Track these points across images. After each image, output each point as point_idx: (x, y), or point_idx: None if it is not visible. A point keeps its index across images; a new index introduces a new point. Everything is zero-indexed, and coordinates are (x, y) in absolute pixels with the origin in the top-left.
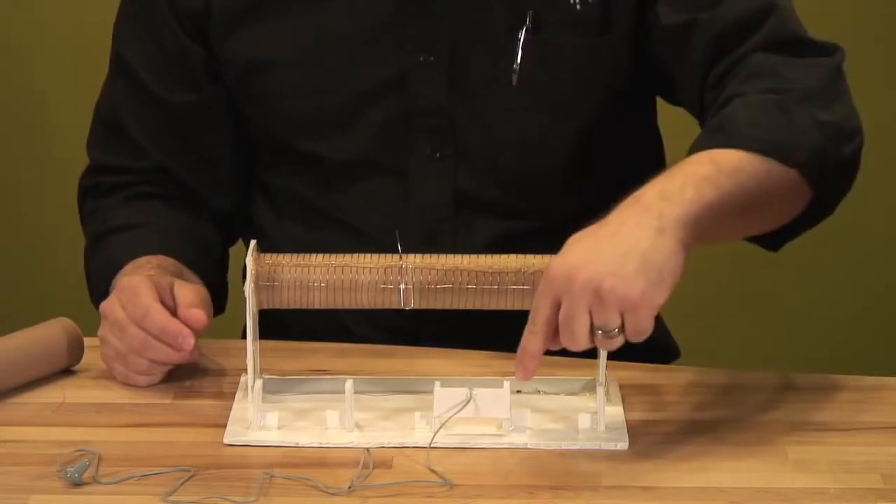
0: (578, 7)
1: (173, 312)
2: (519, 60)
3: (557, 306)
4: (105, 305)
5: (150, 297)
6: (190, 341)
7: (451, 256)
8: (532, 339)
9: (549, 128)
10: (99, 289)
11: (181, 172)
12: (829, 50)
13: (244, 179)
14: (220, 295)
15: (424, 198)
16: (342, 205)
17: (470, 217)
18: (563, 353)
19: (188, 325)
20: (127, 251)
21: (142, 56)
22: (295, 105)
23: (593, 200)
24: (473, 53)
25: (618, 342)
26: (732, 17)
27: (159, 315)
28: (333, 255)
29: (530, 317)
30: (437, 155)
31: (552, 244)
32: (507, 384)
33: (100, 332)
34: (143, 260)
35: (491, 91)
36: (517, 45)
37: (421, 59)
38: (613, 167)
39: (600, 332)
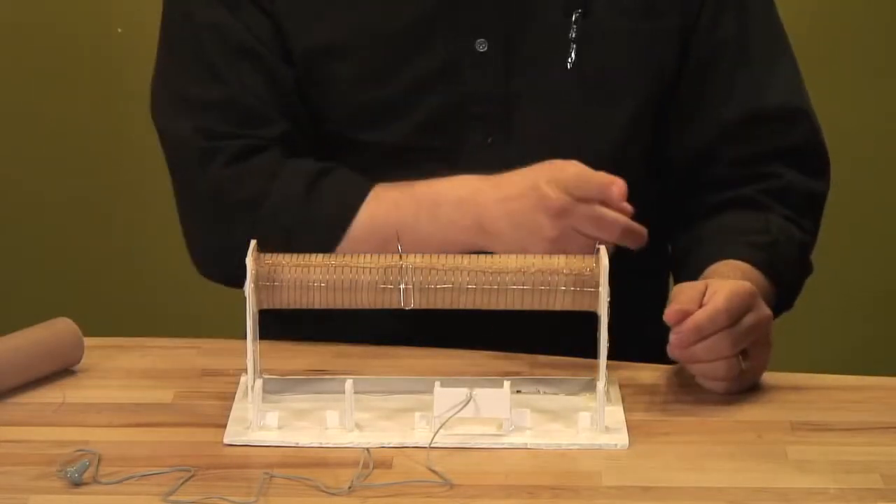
0: None
1: None
2: (574, 45)
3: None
4: (552, 204)
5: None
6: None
7: (450, 256)
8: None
9: (602, 111)
10: (330, 223)
11: (301, 140)
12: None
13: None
14: None
15: None
16: None
17: None
18: (564, 353)
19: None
20: (359, 185)
21: (245, 27)
22: (349, 93)
23: (639, 181)
24: (526, 39)
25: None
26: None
27: (591, 174)
28: (333, 255)
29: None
30: (489, 141)
31: None
32: (507, 384)
33: (551, 235)
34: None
35: (545, 75)
36: (571, 30)
37: (475, 45)
38: (644, 163)
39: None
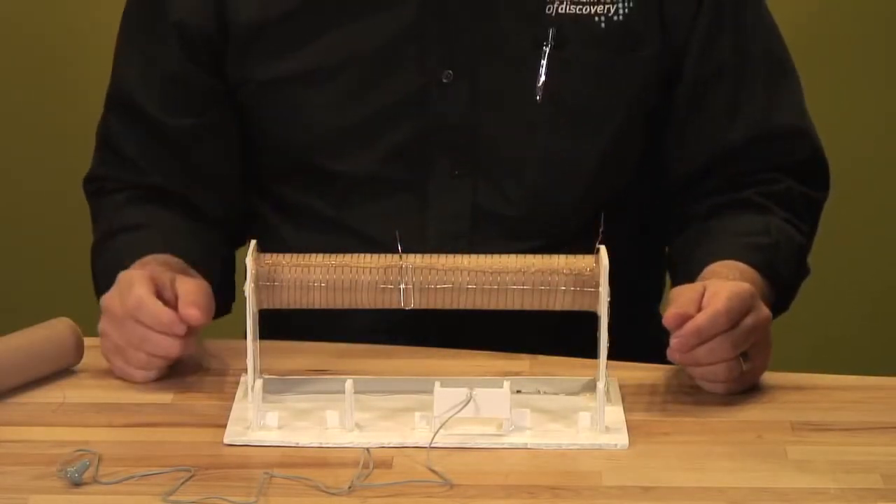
0: (603, 25)
1: (175, 308)
2: (543, 77)
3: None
4: (105, 298)
5: (144, 288)
6: (181, 326)
7: (451, 256)
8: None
9: (572, 144)
10: (104, 288)
11: (179, 190)
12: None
13: (244, 189)
14: (226, 296)
15: (442, 214)
16: (358, 218)
17: (487, 233)
18: (564, 353)
19: (184, 321)
20: (132, 250)
21: (140, 79)
22: (315, 122)
23: (610, 215)
24: (495, 70)
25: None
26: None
27: (152, 306)
28: (333, 255)
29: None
30: (457, 172)
31: (569, 252)
32: (507, 384)
33: (100, 326)
34: (148, 258)
35: (513, 108)
36: (541, 62)
37: (442, 76)
38: (631, 182)
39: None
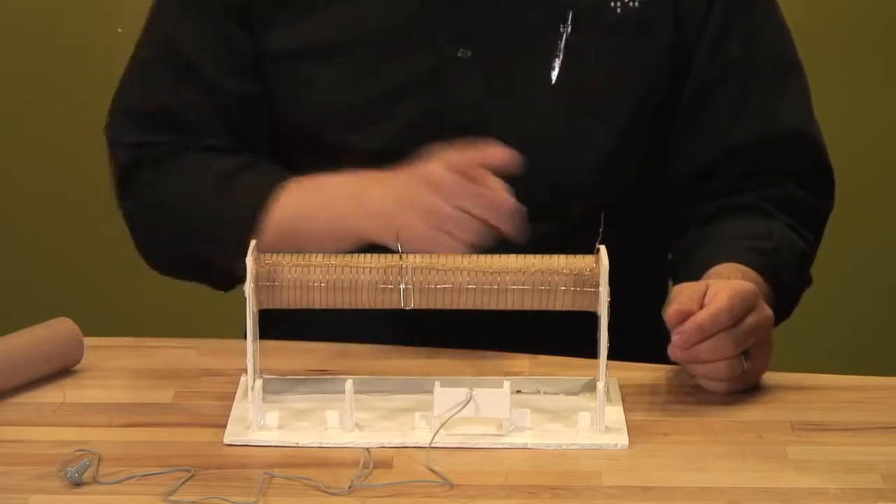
0: (619, 10)
1: None
2: (559, 60)
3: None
4: (428, 170)
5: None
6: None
7: (451, 256)
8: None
9: (584, 128)
10: (243, 219)
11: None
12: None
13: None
14: None
15: None
16: None
17: None
18: (564, 353)
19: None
20: (276, 175)
21: (196, 43)
22: (327, 97)
23: (611, 216)
24: (510, 51)
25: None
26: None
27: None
28: (333, 255)
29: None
30: None
31: (576, 245)
32: (507, 384)
33: (426, 201)
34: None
35: (527, 89)
36: (557, 45)
37: (457, 54)
38: (634, 182)
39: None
